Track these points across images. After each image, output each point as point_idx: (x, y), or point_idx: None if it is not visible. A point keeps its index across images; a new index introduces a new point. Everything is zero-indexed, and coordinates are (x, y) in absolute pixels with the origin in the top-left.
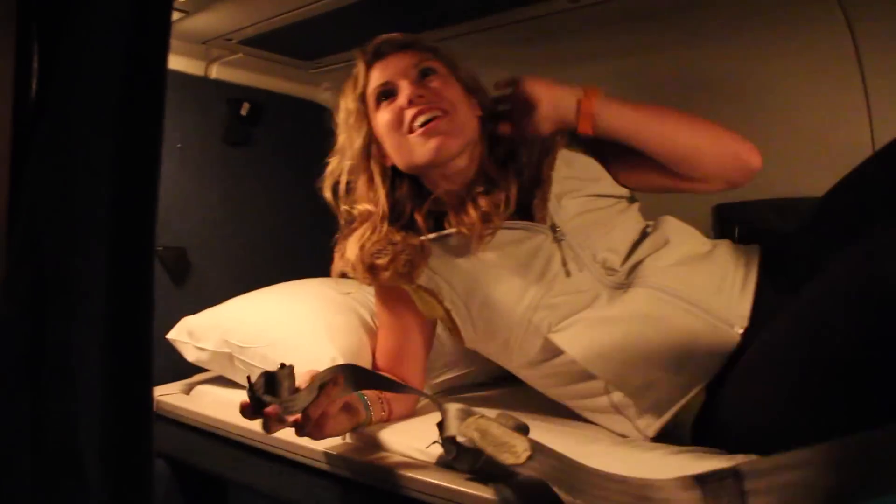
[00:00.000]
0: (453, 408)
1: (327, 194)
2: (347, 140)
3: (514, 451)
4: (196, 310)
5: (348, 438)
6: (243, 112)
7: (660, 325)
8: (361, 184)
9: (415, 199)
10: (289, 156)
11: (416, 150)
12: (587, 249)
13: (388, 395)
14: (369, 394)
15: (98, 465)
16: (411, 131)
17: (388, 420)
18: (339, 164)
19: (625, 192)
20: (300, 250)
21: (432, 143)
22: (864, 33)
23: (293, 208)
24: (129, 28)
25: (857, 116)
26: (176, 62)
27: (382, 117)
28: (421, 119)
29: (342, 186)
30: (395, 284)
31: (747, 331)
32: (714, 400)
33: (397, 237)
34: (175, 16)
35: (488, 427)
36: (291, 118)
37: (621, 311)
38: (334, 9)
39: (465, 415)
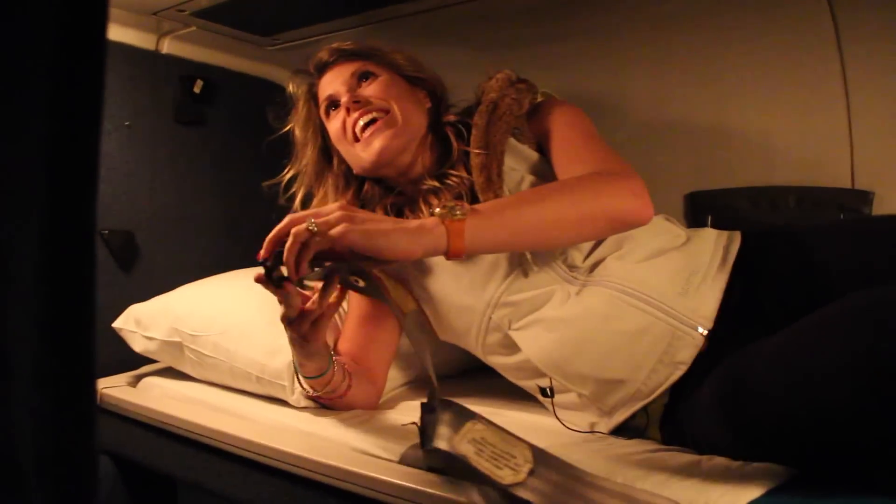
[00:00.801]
0: (447, 415)
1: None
2: (305, 151)
3: (514, 464)
4: (144, 297)
5: (302, 426)
6: (196, 90)
7: (616, 328)
8: (324, 191)
9: (381, 198)
10: (244, 137)
11: (361, 155)
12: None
13: (353, 373)
14: (337, 358)
15: (36, 467)
16: (357, 139)
17: (342, 398)
18: (300, 175)
19: None
20: (255, 235)
21: (376, 145)
22: (846, 22)
23: (248, 192)
24: None
25: (835, 106)
26: (125, 35)
27: (331, 128)
28: (361, 122)
29: (300, 194)
30: None
31: (713, 332)
32: (687, 400)
33: None
34: None
35: (485, 435)
36: (247, 97)
37: (578, 311)
38: None
39: (460, 421)
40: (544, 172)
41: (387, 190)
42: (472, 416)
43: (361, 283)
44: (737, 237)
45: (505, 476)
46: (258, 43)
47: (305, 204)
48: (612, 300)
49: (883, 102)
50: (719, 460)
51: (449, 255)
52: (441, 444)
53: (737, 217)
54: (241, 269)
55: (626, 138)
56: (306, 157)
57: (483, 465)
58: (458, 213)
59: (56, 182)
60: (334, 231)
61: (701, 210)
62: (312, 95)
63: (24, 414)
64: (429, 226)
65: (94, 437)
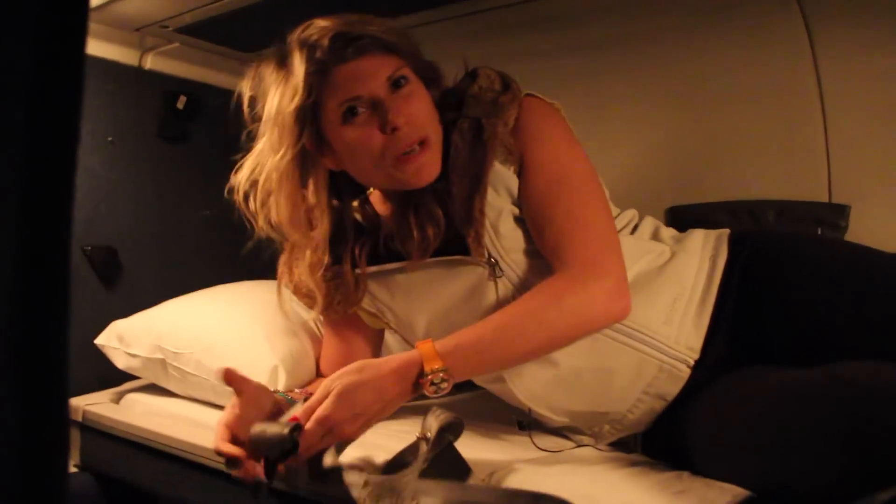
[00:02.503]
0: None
1: (241, 201)
2: (275, 151)
3: None
4: (127, 313)
5: None
6: (179, 105)
7: (600, 364)
8: (288, 204)
9: (359, 225)
10: (227, 152)
11: (393, 176)
12: (528, 282)
13: None
14: (296, 397)
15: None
16: (388, 158)
17: None
18: (260, 173)
19: None
20: (239, 251)
21: (412, 172)
22: (822, 40)
23: (232, 208)
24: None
25: (812, 121)
26: (108, 51)
27: (351, 134)
28: (400, 150)
29: (256, 196)
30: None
31: (699, 361)
32: (669, 421)
33: (330, 273)
34: None
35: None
36: (230, 114)
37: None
38: None
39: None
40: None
41: (362, 205)
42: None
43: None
44: (724, 246)
45: None
46: (241, 59)
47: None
48: (595, 336)
49: (858, 117)
50: (697, 479)
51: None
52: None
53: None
54: (224, 286)
55: (610, 155)
56: (283, 145)
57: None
58: (443, 387)
59: (31, 198)
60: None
61: (682, 224)
62: (316, 81)
63: None
64: (409, 390)
65: (66, 461)
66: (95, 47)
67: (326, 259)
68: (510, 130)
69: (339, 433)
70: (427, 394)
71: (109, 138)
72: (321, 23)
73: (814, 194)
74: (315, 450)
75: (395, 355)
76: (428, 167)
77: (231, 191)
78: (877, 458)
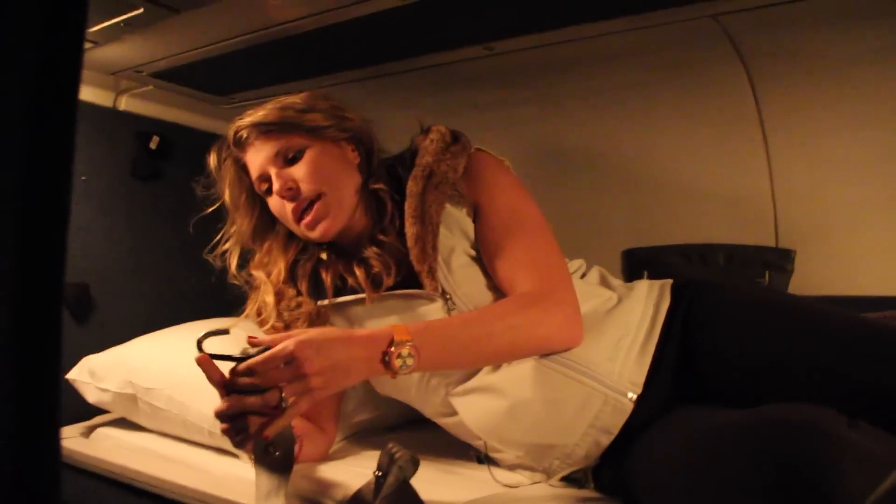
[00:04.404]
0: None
1: (231, 266)
2: (239, 215)
3: None
4: (98, 349)
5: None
6: (153, 145)
7: (546, 396)
8: (268, 245)
9: (323, 261)
10: (199, 192)
11: (306, 234)
12: None
13: (302, 433)
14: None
15: None
16: (297, 221)
17: (297, 460)
18: (234, 236)
19: None
20: (210, 289)
21: (319, 229)
22: (766, 94)
23: (203, 246)
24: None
25: (758, 169)
26: (83, 92)
27: (272, 204)
28: (297, 212)
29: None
30: None
31: (642, 395)
32: (616, 456)
33: (293, 303)
34: (84, 46)
35: None
36: (202, 153)
37: (509, 379)
38: (248, 45)
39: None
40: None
41: (325, 247)
42: None
43: (277, 454)
44: (667, 293)
45: None
46: (214, 101)
47: (243, 260)
48: (542, 369)
49: (801, 166)
50: None
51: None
52: None
53: (670, 273)
54: (195, 322)
55: (567, 198)
56: (243, 220)
57: None
58: (409, 362)
59: (26, 240)
60: (300, 407)
61: (637, 266)
62: (241, 166)
63: None
64: (377, 358)
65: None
66: None
67: (290, 292)
68: (461, 177)
69: (300, 366)
70: (393, 368)
71: (83, 177)
72: (236, 121)
73: (761, 239)
74: (272, 376)
75: (366, 329)
76: (323, 221)
77: (215, 254)
78: (798, 495)
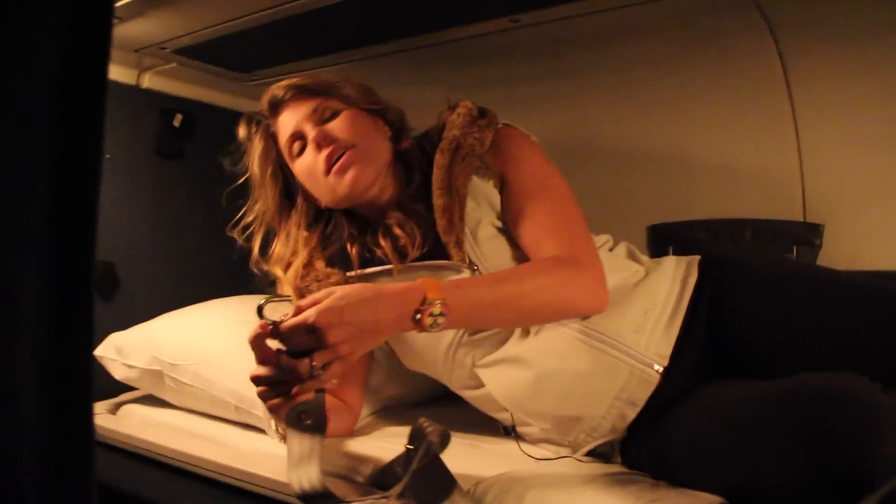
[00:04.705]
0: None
1: (254, 244)
2: (264, 191)
3: None
4: (124, 326)
5: (280, 451)
6: (176, 123)
7: (573, 367)
8: (287, 230)
9: (350, 233)
10: (222, 169)
11: (335, 187)
12: None
13: (330, 408)
14: None
15: (38, 494)
16: (327, 172)
17: (325, 435)
18: (259, 215)
19: None
20: (234, 266)
21: (348, 177)
22: (795, 66)
23: (226, 223)
24: (67, 31)
25: (786, 144)
26: None
27: (300, 165)
28: (330, 158)
29: (259, 234)
30: None
31: (669, 368)
32: (645, 430)
33: (322, 274)
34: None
35: None
36: (226, 131)
37: (537, 350)
38: (271, 20)
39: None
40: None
41: (351, 220)
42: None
43: (308, 422)
44: (694, 269)
45: None
46: (238, 79)
47: (266, 241)
48: (569, 340)
49: (830, 140)
50: (673, 489)
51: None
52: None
53: (697, 249)
54: (220, 299)
55: (592, 174)
56: (267, 197)
57: None
58: (440, 321)
59: (58, 219)
60: (333, 372)
61: (662, 241)
62: (270, 135)
63: (30, 448)
64: (408, 316)
65: (93, 469)
66: None
67: (318, 264)
68: (488, 150)
69: (324, 337)
70: (424, 326)
71: (107, 155)
72: (271, 88)
73: (790, 213)
74: (298, 342)
75: (398, 283)
76: (353, 167)
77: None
78: (835, 460)
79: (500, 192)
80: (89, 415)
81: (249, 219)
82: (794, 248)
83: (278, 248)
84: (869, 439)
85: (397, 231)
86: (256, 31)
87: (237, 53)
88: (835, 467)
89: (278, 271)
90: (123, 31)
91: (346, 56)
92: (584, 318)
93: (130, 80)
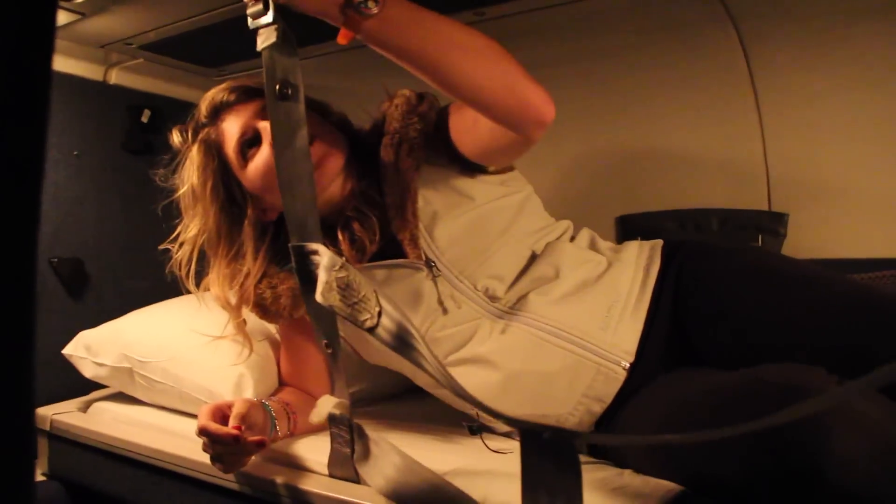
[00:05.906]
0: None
1: (188, 275)
2: (204, 208)
3: (369, 308)
4: (94, 324)
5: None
6: (144, 119)
7: (539, 368)
8: (236, 248)
9: None
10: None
11: None
12: (467, 280)
13: (296, 406)
14: (275, 407)
15: None
16: None
17: (294, 434)
18: (197, 236)
19: (482, 195)
20: (204, 262)
21: (323, 169)
22: (757, 55)
23: None
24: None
25: (751, 133)
26: (73, 66)
27: (255, 167)
28: None
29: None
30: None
31: (634, 363)
32: (610, 421)
33: (276, 280)
34: (71, 18)
35: (349, 280)
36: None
37: (502, 350)
38: (237, 16)
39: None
40: (462, 191)
41: None
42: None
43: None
44: (657, 255)
45: (365, 321)
46: (205, 74)
47: (201, 264)
48: (534, 339)
49: (793, 129)
50: (637, 476)
51: (345, 27)
52: (318, 298)
53: (664, 239)
54: (189, 296)
55: (560, 166)
56: (207, 213)
57: (348, 312)
58: (370, 5)
59: None
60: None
61: (631, 232)
62: (210, 144)
63: None
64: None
65: (31, 467)
66: (61, 63)
67: (271, 269)
68: (433, 130)
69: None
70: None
71: (75, 152)
72: (209, 93)
73: (754, 203)
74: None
75: None
76: (328, 162)
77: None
78: (786, 454)
79: (450, 148)
80: (30, 415)
81: (183, 238)
82: (760, 236)
83: (223, 267)
84: (819, 433)
85: (354, 225)
86: (222, 26)
87: (204, 49)
88: (786, 461)
89: (226, 292)
90: (88, 27)
91: (311, 51)
92: (527, 122)
93: (97, 77)
